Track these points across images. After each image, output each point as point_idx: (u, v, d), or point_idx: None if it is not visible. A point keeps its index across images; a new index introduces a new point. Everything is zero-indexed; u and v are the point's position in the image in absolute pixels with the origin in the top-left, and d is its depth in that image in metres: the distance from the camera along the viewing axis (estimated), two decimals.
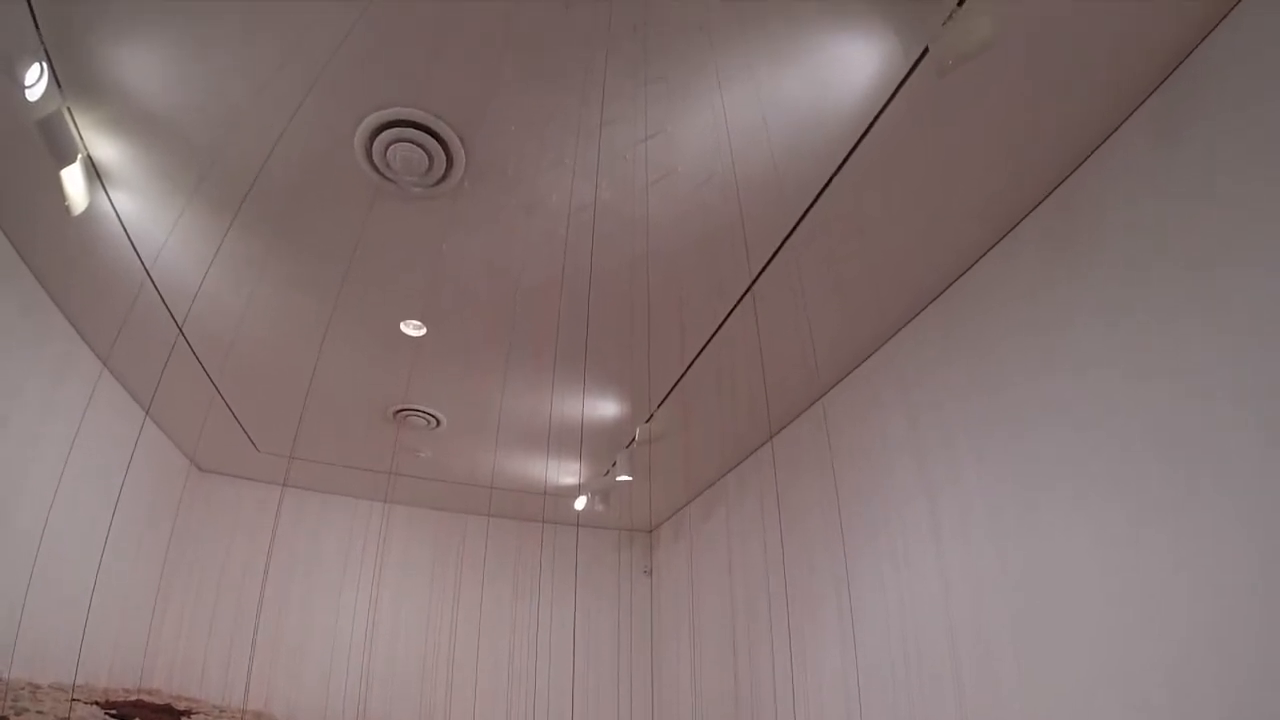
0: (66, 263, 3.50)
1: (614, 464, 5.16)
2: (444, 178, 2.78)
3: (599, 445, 5.13)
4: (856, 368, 3.99)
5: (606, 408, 4.64)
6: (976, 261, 3.15)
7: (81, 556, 4.45)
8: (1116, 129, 2.50)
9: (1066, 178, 2.71)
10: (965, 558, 3.01)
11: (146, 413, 4.51)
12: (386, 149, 2.65)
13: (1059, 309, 2.70)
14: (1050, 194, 2.78)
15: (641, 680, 6.59)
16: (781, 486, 4.50)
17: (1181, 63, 2.27)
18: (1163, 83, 2.34)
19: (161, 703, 4.75)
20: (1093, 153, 2.60)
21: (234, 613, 5.74)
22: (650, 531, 7.30)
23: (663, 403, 4.45)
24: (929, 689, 3.09)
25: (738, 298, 3.45)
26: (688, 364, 4.04)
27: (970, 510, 3.02)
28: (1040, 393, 2.73)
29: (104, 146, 2.79)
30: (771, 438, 4.64)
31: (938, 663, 3.07)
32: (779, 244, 3.09)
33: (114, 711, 3.82)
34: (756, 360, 3.77)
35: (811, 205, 2.85)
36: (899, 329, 3.65)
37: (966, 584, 2.98)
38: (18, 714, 3.18)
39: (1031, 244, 2.87)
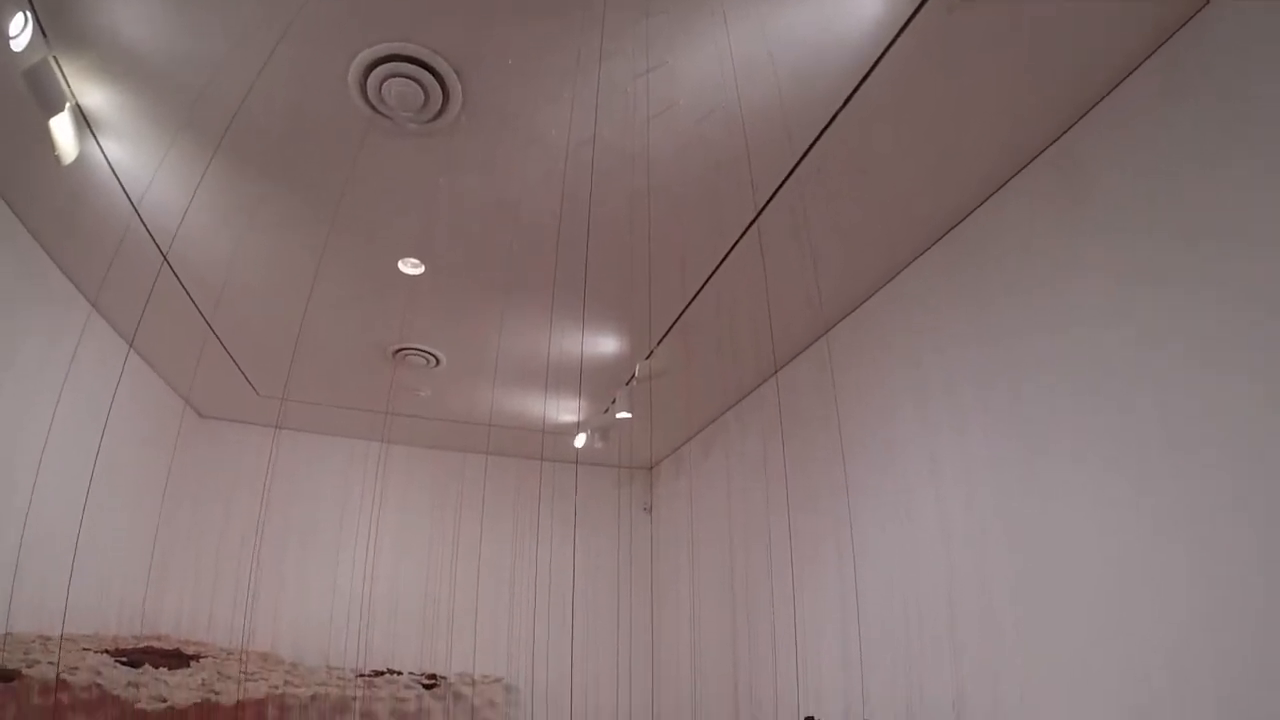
0: (59, 215, 3.55)
1: (614, 401, 5.30)
2: (440, 113, 2.80)
3: (599, 382, 5.26)
4: (858, 307, 4.07)
5: (606, 344, 4.73)
6: (982, 203, 3.20)
7: (81, 508, 4.64)
8: (1131, 73, 2.52)
9: (1074, 124, 2.73)
10: (965, 507, 3.13)
11: (130, 345, 4.57)
12: (381, 85, 2.66)
13: (1066, 261, 2.75)
14: (1058, 139, 2.81)
15: (641, 616, 6.88)
16: (785, 421, 4.63)
17: (1197, 12, 2.28)
18: (1177, 31, 2.34)
19: (170, 648, 5.00)
20: (1103, 98, 2.62)
21: (239, 557, 5.96)
22: (650, 469, 7.50)
23: (663, 339, 4.54)
24: (927, 633, 3.25)
25: (740, 233, 3.51)
26: (689, 300, 4.12)
27: (971, 460, 3.13)
28: (1044, 347, 2.80)
29: (93, 94, 2.79)
30: (776, 373, 4.74)
31: (936, 610, 3.22)
32: (782, 179, 3.13)
33: (124, 658, 4.02)
34: (758, 297, 3.84)
35: (816, 140, 2.88)
36: (902, 269, 3.72)
37: (966, 533, 3.11)
38: (29, 666, 3.35)
39: (1038, 191, 2.91)
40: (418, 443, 6.94)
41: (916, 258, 3.62)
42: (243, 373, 5.42)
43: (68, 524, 4.38)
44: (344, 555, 6.20)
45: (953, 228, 3.38)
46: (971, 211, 3.27)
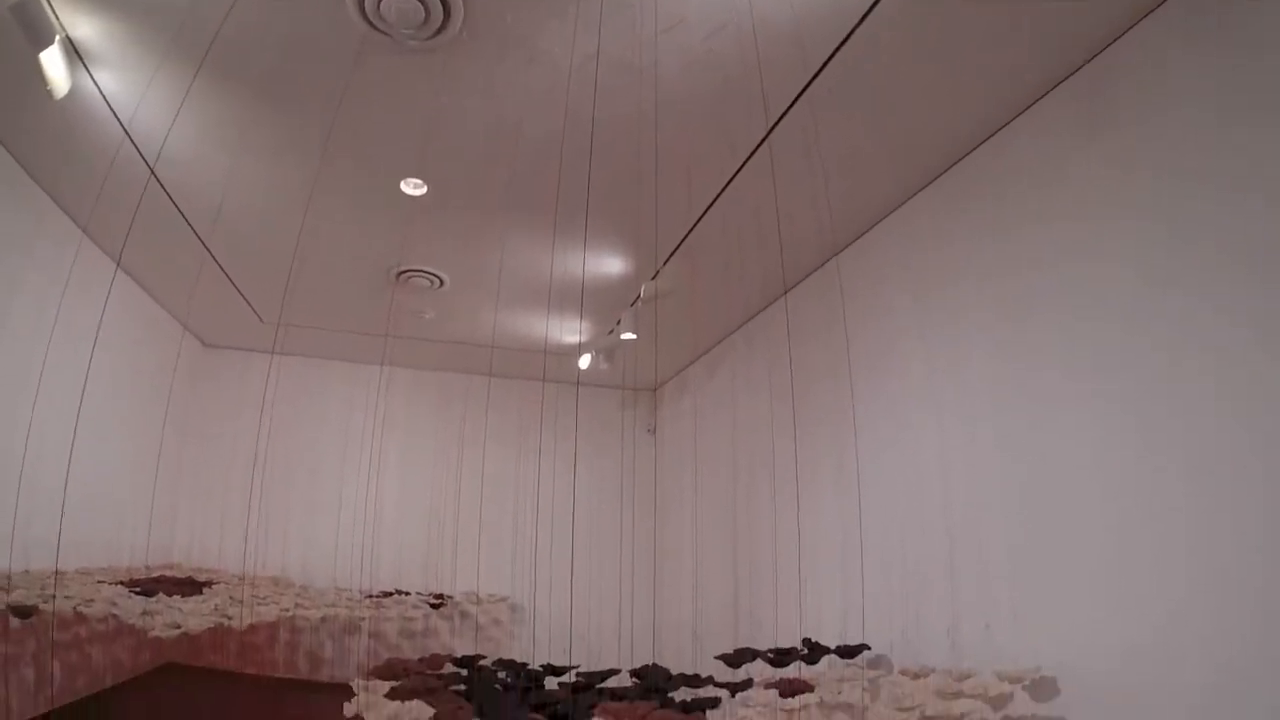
0: (54, 151, 3.59)
1: (618, 322, 5.40)
2: (441, 30, 2.78)
3: (603, 303, 5.34)
4: (864, 234, 4.11)
5: (611, 265, 4.79)
6: (995, 133, 3.21)
7: (95, 444, 4.80)
8: (1154, 10, 2.50)
9: (1095, 56, 2.71)
10: (965, 435, 3.24)
11: (116, 262, 4.64)
12: (380, 0, 2.65)
13: (1077, 196, 2.77)
14: (1078, 70, 2.79)
15: (643, 537, 7.17)
16: (789, 345, 4.74)
17: None
18: None
19: (183, 576, 5.24)
20: (1126, 31, 2.59)
21: (248, 485, 6.16)
22: (654, 390, 7.68)
23: (668, 260, 4.60)
24: (924, 560, 3.41)
25: (749, 152, 3.53)
26: (695, 221, 4.16)
27: (971, 390, 3.23)
28: (1048, 280, 2.86)
29: (82, 25, 2.76)
30: (785, 293, 4.82)
31: (933, 537, 3.37)
32: (795, 97, 3.14)
33: (138, 589, 4.21)
34: (766, 218, 3.88)
35: (830, 58, 2.88)
36: (912, 196, 3.74)
37: (965, 461, 3.24)
38: (45, 601, 3.51)
39: (1054, 124, 2.90)
40: (421, 365, 7.09)
41: (926, 185, 3.65)
42: (245, 298, 5.52)
43: (77, 460, 4.58)
44: (350, 480, 6.41)
45: (964, 156, 3.39)
46: (983, 141, 3.27)
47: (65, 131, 3.42)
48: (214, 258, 4.82)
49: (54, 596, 3.57)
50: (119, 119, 3.35)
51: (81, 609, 3.62)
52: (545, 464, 5.87)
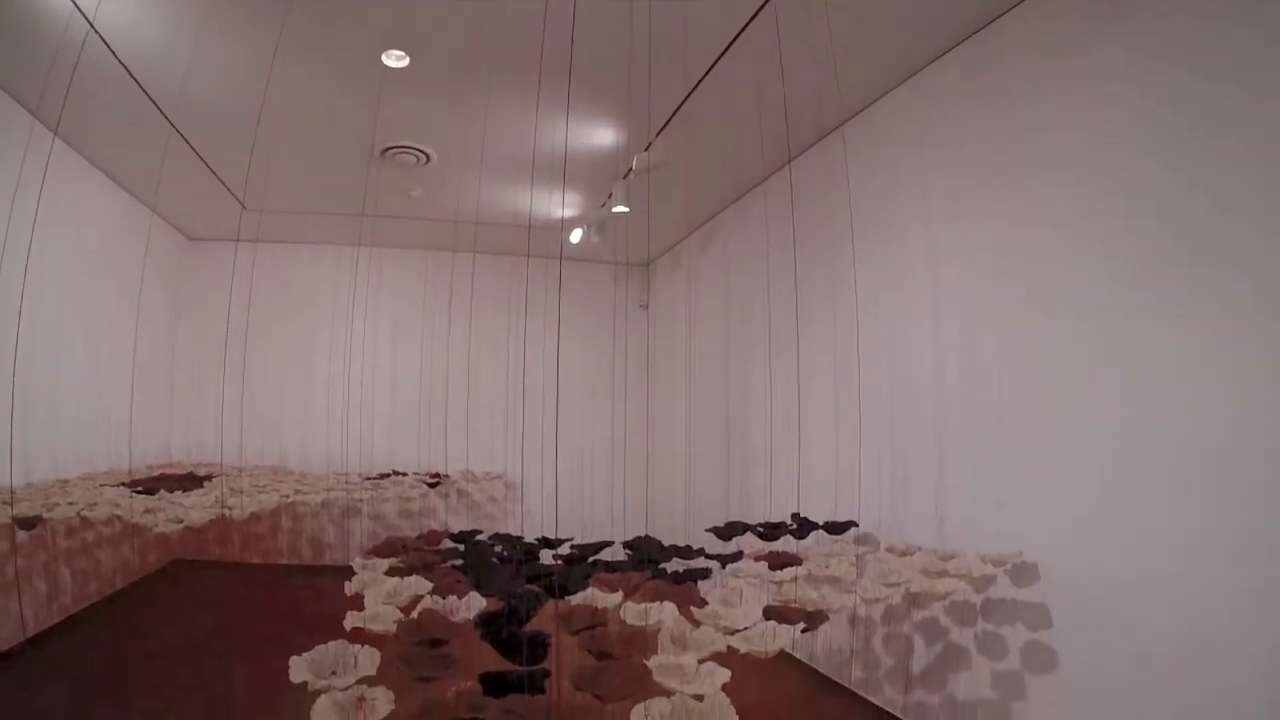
0: (18, 53, 3.54)
1: (610, 195, 5.40)
2: None
3: (595, 176, 5.32)
4: (874, 103, 4.06)
5: (603, 136, 4.74)
6: (1010, 9, 3.16)
7: (86, 349, 4.93)
8: None
9: None
10: (961, 317, 3.37)
11: (50, 132, 4.64)
12: None
13: (1093, 65, 2.75)
14: None
15: (636, 412, 7.46)
16: (783, 221, 4.79)
17: None
18: None
19: (183, 473, 5.47)
20: None
21: (241, 376, 6.35)
22: (647, 265, 7.75)
23: (661, 131, 4.57)
24: (915, 439, 3.61)
25: (752, 13, 3.45)
26: (690, 89, 4.11)
27: (973, 267, 3.32)
28: (1057, 148, 2.88)
29: None
30: (790, 161, 4.79)
31: (924, 415, 3.55)
32: None
33: (140, 488, 4.40)
34: (765, 87, 3.84)
35: None
36: (920, 69, 3.71)
37: (960, 343, 3.37)
38: (49, 510, 3.65)
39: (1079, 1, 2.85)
40: (409, 245, 7.12)
41: (936, 59, 3.60)
42: (223, 182, 5.50)
43: (70, 368, 4.73)
44: (342, 364, 6.59)
45: (983, 27, 3.33)
46: (1004, 13, 3.22)
47: (32, 32, 3.36)
48: (187, 141, 4.78)
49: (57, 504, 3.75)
50: (80, 9, 3.26)
51: (85, 513, 3.78)
52: (537, 341, 6.02)
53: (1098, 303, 2.70)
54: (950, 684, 3.35)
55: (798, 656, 4.63)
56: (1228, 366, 2.25)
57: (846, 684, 4.15)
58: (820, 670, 4.42)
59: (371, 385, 6.75)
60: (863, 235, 4.05)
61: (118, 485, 4.40)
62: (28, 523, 3.51)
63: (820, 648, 4.42)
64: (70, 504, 3.79)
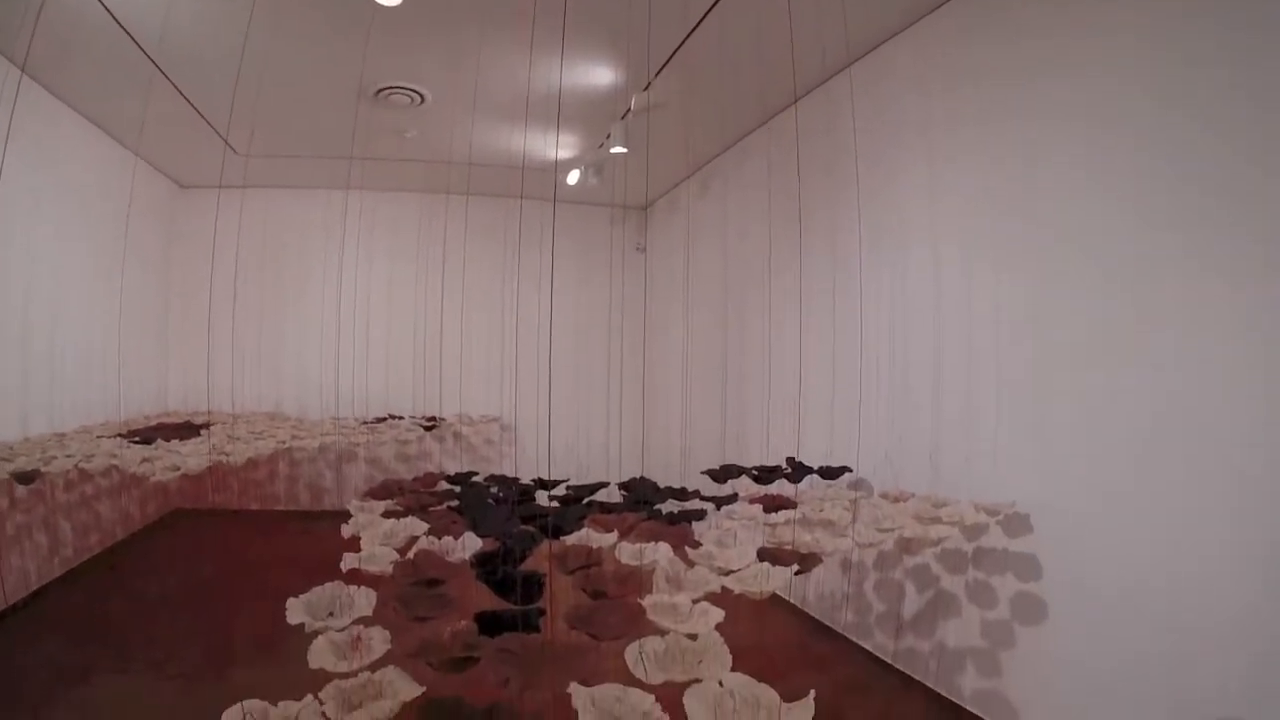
0: None
1: (608, 136, 5.34)
2: None
3: (592, 117, 5.25)
4: (876, 47, 4.01)
5: (601, 75, 4.67)
6: None
7: (80, 301, 4.92)
8: None
9: None
10: (960, 265, 3.36)
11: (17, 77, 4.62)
12: None
13: (1097, 9, 2.71)
14: None
15: (633, 356, 7.47)
16: (784, 165, 4.75)
17: None
18: None
19: (180, 421, 5.50)
20: None
21: (236, 324, 6.36)
22: (644, 208, 7.69)
23: (661, 70, 4.51)
24: (911, 385, 3.64)
25: None
26: (691, 27, 4.04)
27: (973, 214, 3.31)
28: (1061, 92, 2.84)
29: None
30: (796, 101, 4.73)
31: (922, 361, 3.58)
32: None
33: (137, 438, 4.43)
34: (767, 27, 3.77)
35: None
36: (926, 13, 3.64)
37: (957, 291, 3.38)
38: (47, 464, 3.66)
39: None
40: (404, 187, 7.05)
41: (942, 3, 3.54)
42: (215, 130, 5.44)
43: (64, 320, 4.73)
44: (337, 308, 6.57)
45: None
46: None
47: None
48: (176, 87, 4.71)
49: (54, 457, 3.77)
50: None
51: (83, 465, 3.81)
52: (533, 283, 6.01)
53: (1101, 251, 2.69)
54: (940, 631, 3.44)
55: (790, 600, 4.73)
56: (1234, 320, 2.23)
57: (838, 629, 4.25)
58: (812, 614, 4.51)
59: (366, 330, 6.75)
60: (864, 179, 4.01)
61: (114, 436, 4.43)
62: (26, 477, 3.53)
63: (812, 592, 4.51)
64: (68, 456, 3.80)
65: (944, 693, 3.38)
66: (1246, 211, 2.19)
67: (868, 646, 3.97)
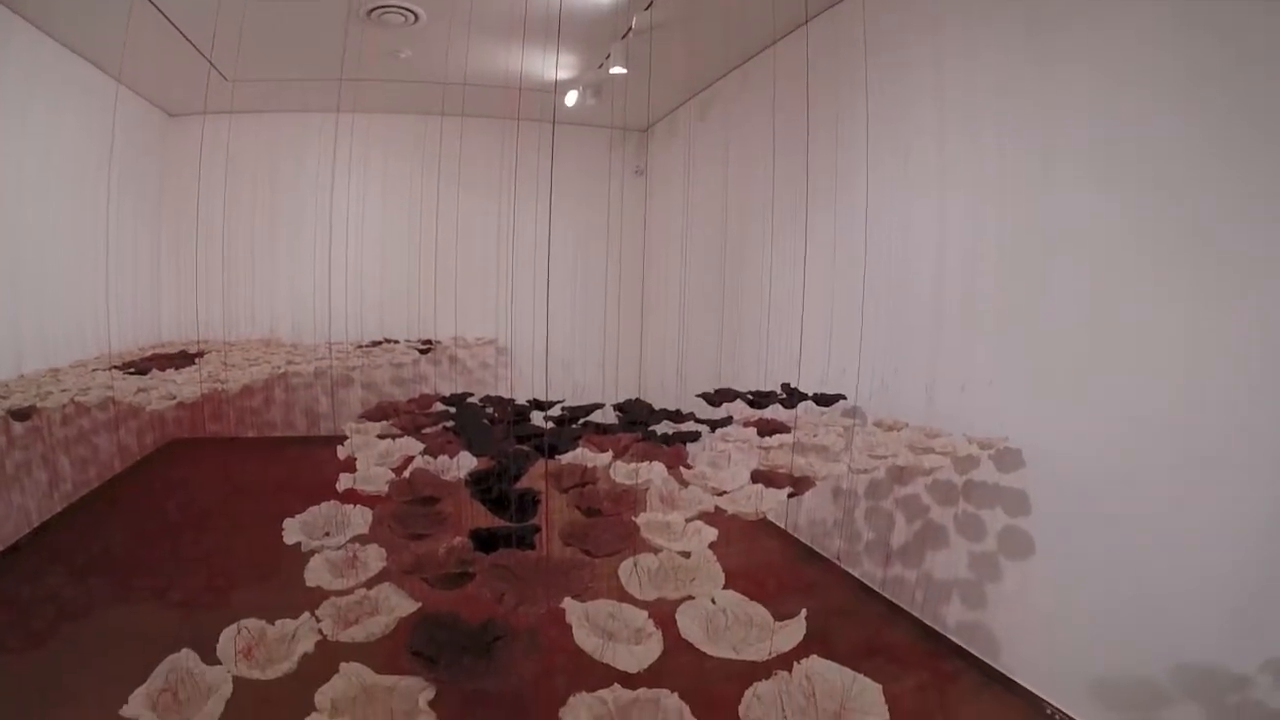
0: None
1: (608, 57, 5.20)
2: None
3: (592, 36, 5.09)
4: None
5: None
6: None
7: (71, 234, 4.84)
8: None
9: None
10: (968, 197, 3.29)
11: None
12: None
13: None
14: None
15: (631, 279, 7.42)
16: (788, 88, 4.63)
17: None
18: None
19: (175, 352, 5.46)
20: None
21: (229, 252, 6.29)
22: (644, 131, 7.54)
23: None
24: (911, 315, 3.62)
25: None
26: None
27: (982, 145, 3.22)
28: (1075, 33, 2.75)
29: None
30: (808, 20, 4.59)
31: (922, 291, 3.54)
32: None
33: (132, 369, 4.41)
34: None
35: None
36: None
37: (961, 218, 3.32)
38: (43, 399, 3.62)
39: None
40: (398, 109, 6.88)
41: None
42: (203, 54, 5.27)
43: (55, 255, 4.65)
44: (332, 233, 6.48)
45: None
46: None
47: None
48: (161, 10, 4.55)
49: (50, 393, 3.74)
50: None
51: (78, 398, 3.77)
52: (530, 205, 5.91)
53: (1106, 189, 2.62)
54: (928, 562, 3.49)
55: (780, 526, 4.80)
56: (1235, 260, 2.20)
57: (827, 555, 4.31)
58: (802, 540, 4.58)
59: (360, 254, 6.69)
60: (872, 105, 3.91)
61: (109, 369, 4.40)
62: (22, 414, 3.51)
63: (803, 518, 4.57)
64: (63, 391, 3.78)
65: (929, 622, 3.44)
66: (1262, 155, 2.12)
67: (856, 574, 4.04)
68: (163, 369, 4.49)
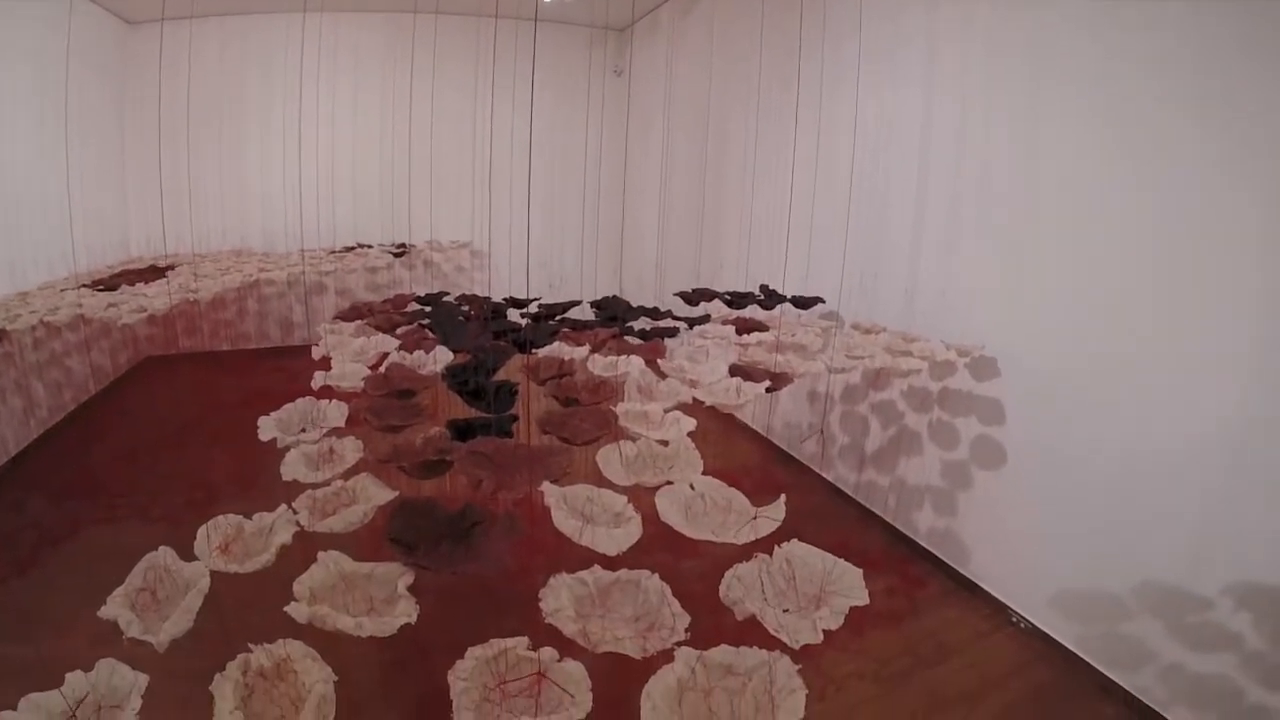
0: None
1: None
2: None
3: None
4: None
5: None
6: None
7: (29, 153, 4.57)
8: None
9: None
10: (957, 97, 3.15)
11: None
12: None
13: None
14: None
15: (611, 181, 7.23)
16: None
17: None
18: None
19: (144, 267, 5.26)
20: None
21: (195, 162, 5.95)
22: (623, 30, 7.26)
23: None
24: (892, 219, 3.50)
25: None
26: None
27: (973, 48, 3.07)
28: None
29: None
30: None
31: (904, 195, 3.42)
32: None
33: (101, 287, 4.25)
34: None
35: None
36: None
37: (948, 124, 3.19)
38: (11, 322, 3.50)
39: None
40: (368, 7, 6.54)
41: None
42: None
43: (15, 176, 4.40)
44: (302, 137, 6.23)
45: None
46: None
47: None
48: None
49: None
50: None
51: (47, 318, 3.65)
52: (506, 106, 5.68)
53: (1094, 102, 2.53)
54: (901, 468, 3.50)
55: (755, 428, 4.81)
56: (1231, 174, 2.11)
57: (801, 459, 4.33)
58: (776, 443, 4.59)
59: (331, 158, 6.45)
60: (864, 6, 3.73)
61: (78, 288, 4.24)
62: None
63: (778, 421, 4.58)
64: (32, 313, 3.64)
65: (900, 527, 3.48)
66: (1260, 64, 2.03)
67: (829, 478, 4.06)
68: (132, 284, 4.35)
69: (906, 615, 2.90)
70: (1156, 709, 2.28)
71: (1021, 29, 2.83)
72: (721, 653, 1.36)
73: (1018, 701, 2.42)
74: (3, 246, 4.25)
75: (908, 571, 3.21)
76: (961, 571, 3.10)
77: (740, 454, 4.52)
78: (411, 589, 1.55)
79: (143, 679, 1.33)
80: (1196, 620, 2.16)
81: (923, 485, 3.34)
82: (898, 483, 3.51)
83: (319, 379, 2.51)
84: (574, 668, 1.37)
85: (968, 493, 3.08)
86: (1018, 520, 2.84)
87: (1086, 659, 2.53)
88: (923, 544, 3.33)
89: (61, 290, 4.22)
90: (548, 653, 1.40)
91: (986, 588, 2.98)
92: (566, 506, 1.68)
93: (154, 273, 4.94)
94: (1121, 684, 2.39)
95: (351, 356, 2.68)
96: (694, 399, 2.23)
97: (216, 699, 1.28)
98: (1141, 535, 2.34)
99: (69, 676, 1.32)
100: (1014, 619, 2.82)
